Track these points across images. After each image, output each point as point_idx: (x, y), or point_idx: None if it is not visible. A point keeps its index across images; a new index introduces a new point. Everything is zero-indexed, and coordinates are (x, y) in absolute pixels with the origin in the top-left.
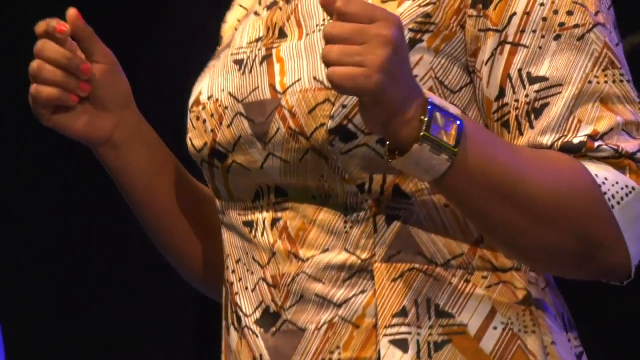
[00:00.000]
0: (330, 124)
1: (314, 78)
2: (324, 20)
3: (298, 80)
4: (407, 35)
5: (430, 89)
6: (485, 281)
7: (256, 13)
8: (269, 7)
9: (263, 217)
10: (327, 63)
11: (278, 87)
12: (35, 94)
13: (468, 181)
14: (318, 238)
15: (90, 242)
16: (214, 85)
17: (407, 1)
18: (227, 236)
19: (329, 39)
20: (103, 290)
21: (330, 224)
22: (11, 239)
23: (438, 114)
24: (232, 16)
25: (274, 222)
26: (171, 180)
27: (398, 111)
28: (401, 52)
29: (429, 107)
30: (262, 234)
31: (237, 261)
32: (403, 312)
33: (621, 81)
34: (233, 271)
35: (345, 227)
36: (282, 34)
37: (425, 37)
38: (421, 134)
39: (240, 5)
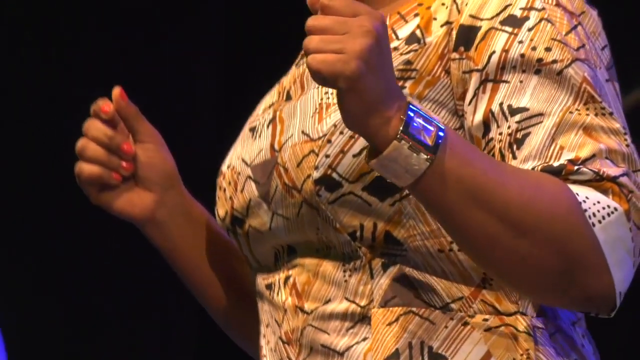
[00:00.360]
0: (315, 174)
1: (302, 132)
2: None
3: (290, 136)
4: None
5: None
6: (485, 324)
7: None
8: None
9: (279, 277)
10: (307, 52)
11: (276, 146)
12: (78, 172)
13: (446, 184)
14: (321, 290)
15: (95, 252)
16: (233, 155)
17: (394, 52)
18: (260, 304)
19: (310, 30)
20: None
21: (331, 275)
22: (12, 244)
23: (419, 117)
24: (269, 96)
25: (286, 280)
26: (218, 255)
27: (377, 106)
28: (383, 45)
29: (409, 108)
30: (278, 294)
31: (267, 325)
32: (396, 355)
33: (603, 114)
34: (264, 335)
35: (344, 276)
36: (288, 97)
37: (408, 84)
38: (400, 129)
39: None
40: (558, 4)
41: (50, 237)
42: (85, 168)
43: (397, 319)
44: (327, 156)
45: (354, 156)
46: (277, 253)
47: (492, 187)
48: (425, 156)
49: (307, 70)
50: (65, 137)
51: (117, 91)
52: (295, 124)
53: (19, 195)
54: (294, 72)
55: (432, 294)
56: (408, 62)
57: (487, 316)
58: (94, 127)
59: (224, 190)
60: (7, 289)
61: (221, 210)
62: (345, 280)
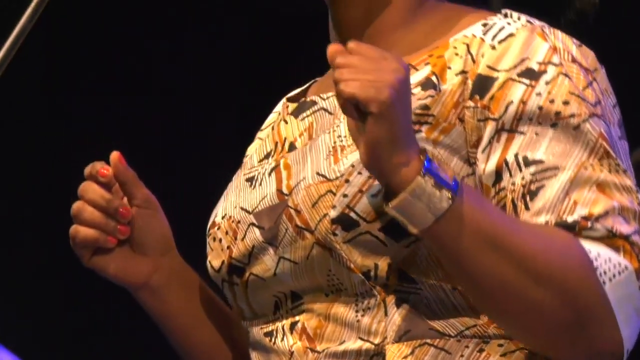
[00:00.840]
0: (332, 213)
1: (317, 173)
2: (333, 127)
3: (303, 179)
4: None
5: None
6: (501, 349)
7: (268, 136)
8: (273, 128)
9: (282, 324)
10: (339, 80)
11: (285, 190)
12: (73, 234)
13: (464, 226)
14: (334, 332)
15: None
16: (227, 205)
17: None
18: (254, 355)
19: (340, 66)
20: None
21: (343, 317)
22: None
23: (434, 162)
24: (252, 149)
25: (293, 326)
26: (211, 321)
27: (402, 140)
28: (408, 86)
29: (426, 155)
30: (282, 340)
31: None
32: None
33: (617, 171)
34: None
35: (357, 316)
36: (292, 148)
37: (424, 128)
38: (425, 166)
39: (259, 138)
40: (574, 60)
41: (50, 237)
42: (80, 231)
43: (412, 352)
44: (345, 195)
45: (372, 196)
46: (278, 301)
47: (507, 232)
48: (447, 194)
49: (317, 125)
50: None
51: (115, 155)
52: (306, 167)
53: (19, 196)
54: (295, 124)
55: (446, 324)
56: (425, 107)
57: (502, 341)
58: (90, 189)
59: (220, 240)
60: (7, 289)
61: (216, 261)
62: (358, 320)
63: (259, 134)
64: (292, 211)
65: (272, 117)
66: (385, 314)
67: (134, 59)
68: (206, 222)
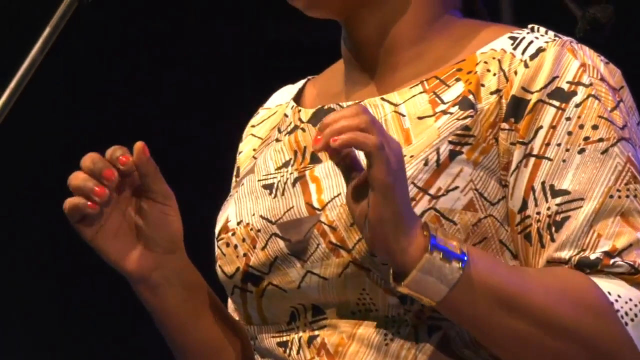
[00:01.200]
0: None
1: None
2: None
3: (338, 195)
4: (447, 148)
5: (471, 201)
6: None
7: (277, 140)
8: (289, 132)
9: (299, 336)
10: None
11: (316, 204)
12: (64, 206)
13: (477, 293)
14: (358, 353)
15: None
16: (242, 211)
17: (445, 115)
18: None
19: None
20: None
21: (370, 338)
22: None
23: (439, 232)
24: (247, 146)
25: (311, 339)
26: (208, 323)
27: (403, 221)
28: (404, 167)
29: (429, 226)
30: (298, 352)
31: None
32: None
33: None
34: None
35: (385, 339)
36: (316, 159)
37: (465, 149)
38: (431, 242)
39: (254, 135)
40: (602, 79)
41: (50, 237)
42: (67, 200)
43: None
44: None
45: None
46: (296, 312)
47: (519, 292)
48: (457, 265)
49: None
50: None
51: (139, 145)
52: (340, 183)
53: (19, 196)
54: (314, 131)
55: (476, 353)
56: (466, 128)
57: None
58: (89, 158)
59: (235, 246)
60: (7, 290)
61: (229, 266)
62: (387, 344)
63: (253, 131)
64: (326, 227)
65: (268, 116)
66: (416, 341)
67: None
68: (205, 222)
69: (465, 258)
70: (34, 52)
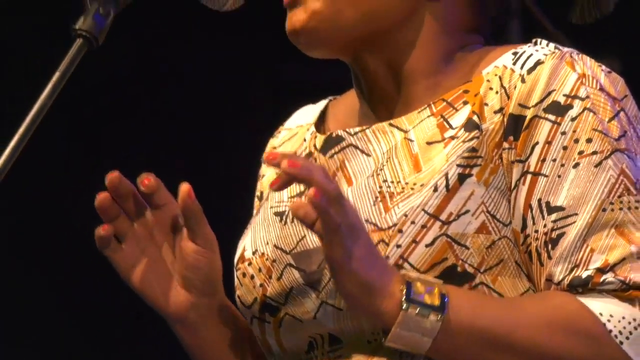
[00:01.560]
0: None
1: (366, 220)
2: (376, 170)
3: None
4: (456, 171)
5: (483, 224)
6: None
7: None
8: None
9: None
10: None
11: None
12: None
13: (461, 339)
14: None
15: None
16: (256, 240)
17: (453, 140)
18: None
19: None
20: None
21: None
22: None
23: (417, 283)
24: (269, 170)
25: None
26: (244, 358)
27: (373, 285)
28: (361, 228)
29: (405, 279)
30: None
31: None
32: None
33: (637, 208)
34: None
35: None
36: None
37: (474, 171)
38: (403, 298)
39: None
40: (602, 89)
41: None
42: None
43: None
44: (398, 246)
45: (426, 246)
46: (314, 341)
47: (508, 331)
48: (435, 317)
49: (351, 164)
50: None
51: (185, 188)
52: None
53: (19, 196)
54: (324, 162)
55: None
56: (473, 150)
57: None
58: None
59: (251, 277)
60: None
61: (247, 297)
62: None
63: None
64: None
65: (289, 137)
66: None
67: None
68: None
69: (445, 308)
70: (44, 96)
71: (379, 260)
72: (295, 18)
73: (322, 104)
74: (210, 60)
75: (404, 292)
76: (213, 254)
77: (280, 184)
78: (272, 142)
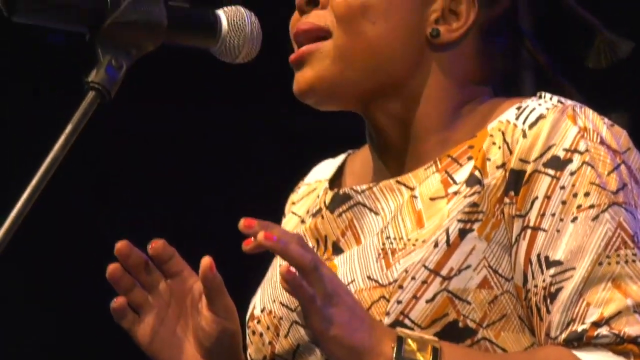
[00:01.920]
0: (386, 320)
1: (368, 277)
2: (383, 228)
3: (352, 281)
4: (457, 227)
5: (485, 279)
6: None
7: (302, 221)
8: (314, 215)
9: None
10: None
11: None
12: None
13: None
14: None
15: None
16: (265, 297)
17: (455, 196)
18: None
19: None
20: None
21: None
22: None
23: (409, 339)
24: (288, 226)
25: None
26: None
27: (363, 351)
28: (339, 299)
29: (397, 336)
30: None
31: None
32: None
33: (634, 261)
34: None
35: None
36: (338, 250)
37: (475, 226)
38: (394, 356)
39: (294, 213)
40: (602, 142)
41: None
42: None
43: None
44: (399, 302)
45: (427, 302)
46: None
47: None
48: None
49: (360, 222)
50: None
51: (206, 261)
52: (354, 269)
53: (32, 248)
54: (332, 220)
55: None
56: (474, 205)
57: None
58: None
59: (260, 334)
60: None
61: (257, 354)
62: None
63: (294, 208)
64: None
65: (307, 192)
66: None
67: (159, 153)
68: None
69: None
70: (56, 149)
71: (366, 322)
72: (302, 78)
73: (340, 158)
74: (220, 115)
75: (394, 350)
76: (233, 325)
77: (251, 249)
78: (292, 198)
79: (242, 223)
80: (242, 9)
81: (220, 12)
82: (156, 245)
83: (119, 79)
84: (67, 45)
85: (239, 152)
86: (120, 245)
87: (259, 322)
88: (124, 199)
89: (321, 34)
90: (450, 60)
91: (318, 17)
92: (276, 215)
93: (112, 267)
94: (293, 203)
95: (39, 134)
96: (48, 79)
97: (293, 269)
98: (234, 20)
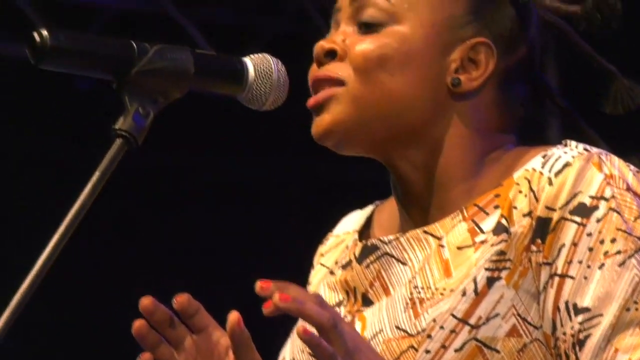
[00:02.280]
0: None
1: (397, 327)
2: (411, 278)
3: (380, 331)
4: (485, 275)
5: (514, 327)
6: None
7: (332, 272)
8: (344, 267)
9: None
10: None
11: None
12: None
13: None
14: None
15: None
16: (294, 348)
17: (482, 245)
18: None
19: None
20: None
21: None
22: None
23: None
24: (317, 277)
25: None
26: None
27: None
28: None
29: None
30: None
31: None
32: None
33: None
34: None
35: None
36: (367, 302)
37: (503, 274)
38: None
39: (322, 265)
40: (628, 189)
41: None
42: None
43: None
44: (427, 352)
45: (455, 351)
46: None
47: None
48: None
49: (387, 273)
50: None
51: (234, 317)
52: (382, 319)
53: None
54: (360, 272)
55: None
56: (501, 253)
57: None
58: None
59: None
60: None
61: None
62: None
63: (322, 260)
64: None
65: (335, 244)
66: None
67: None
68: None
69: None
70: (84, 196)
71: None
72: (320, 122)
73: (368, 209)
74: (248, 165)
75: None
76: None
77: (270, 312)
78: (321, 249)
79: (258, 285)
80: (268, 57)
81: (247, 60)
82: (181, 299)
83: (146, 127)
84: (95, 91)
85: (267, 202)
86: (146, 301)
87: None
88: (150, 249)
89: (338, 83)
90: (471, 109)
91: (336, 69)
92: (304, 266)
93: (138, 324)
94: (322, 255)
95: (66, 180)
96: (76, 125)
97: (310, 328)
98: (260, 67)
